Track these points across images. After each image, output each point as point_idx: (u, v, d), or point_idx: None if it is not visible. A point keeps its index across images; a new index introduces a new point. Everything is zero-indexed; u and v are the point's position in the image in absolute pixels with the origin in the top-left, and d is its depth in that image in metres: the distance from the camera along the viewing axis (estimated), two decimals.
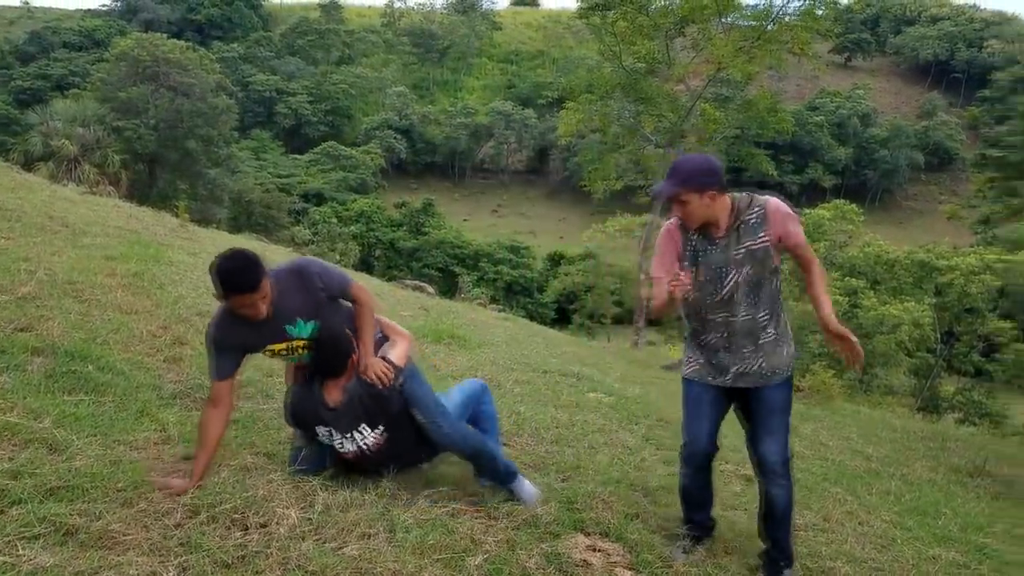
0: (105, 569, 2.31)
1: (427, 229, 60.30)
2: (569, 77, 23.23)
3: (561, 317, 46.34)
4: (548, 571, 2.88)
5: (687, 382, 3.40)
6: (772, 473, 3.25)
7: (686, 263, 3.18)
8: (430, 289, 16.72)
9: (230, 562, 2.47)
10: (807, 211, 32.19)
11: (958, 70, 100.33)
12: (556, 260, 57.61)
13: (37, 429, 3.14)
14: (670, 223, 3.29)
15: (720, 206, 3.14)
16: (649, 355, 14.03)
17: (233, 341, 3.14)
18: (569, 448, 4.41)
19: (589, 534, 3.29)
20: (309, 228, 50.06)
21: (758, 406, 3.30)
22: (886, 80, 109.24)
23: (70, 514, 2.58)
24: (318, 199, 67.13)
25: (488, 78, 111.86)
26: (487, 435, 3.68)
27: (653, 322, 29.05)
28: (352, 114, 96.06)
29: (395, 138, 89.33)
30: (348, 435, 3.25)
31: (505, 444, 4.29)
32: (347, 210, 59.86)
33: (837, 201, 33.28)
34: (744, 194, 3.23)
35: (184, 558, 2.47)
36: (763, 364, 3.22)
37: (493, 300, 33.36)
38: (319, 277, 3.20)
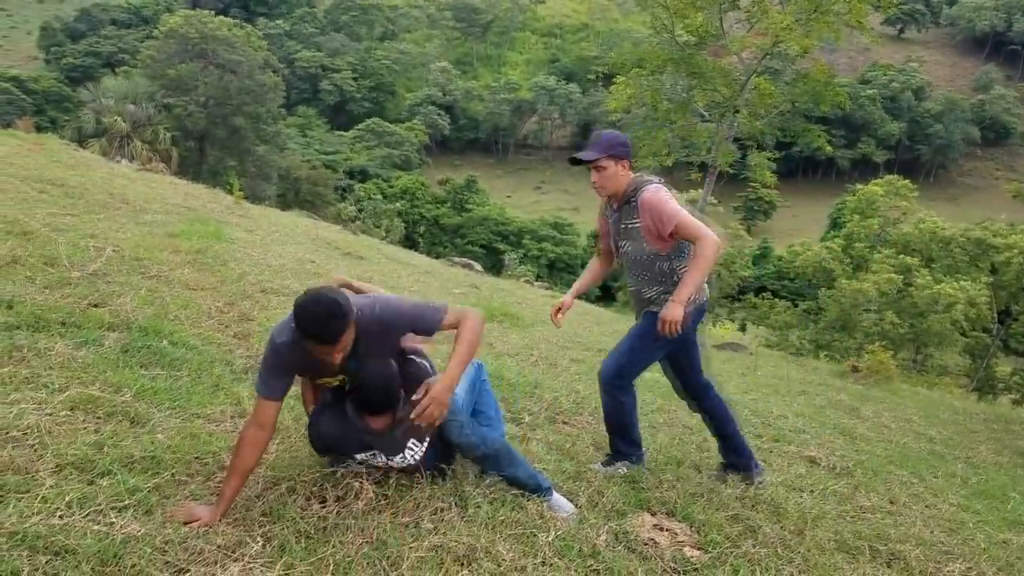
0: (192, 538, 2.38)
1: (470, 206, 60.47)
2: (617, 51, 22.89)
3: (605, 295, 46.19)
4: (617, 549, 2.90)
5: None
6: (600, 380, 3.70)
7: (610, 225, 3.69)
8: (478, 267, 16.79)
9: (312, 533, 2.53)
10: (859, 186, 31.44)
11: (1015, 42, 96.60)
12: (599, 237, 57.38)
13: (118, 402, 3.25)
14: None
15: (625, 179, 3.53)
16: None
17: (298, 367, 2.86)
18: None
19: (655, 513, 3.31)
20: (354, 204, 50.53)
21: None
22: (940, 52, 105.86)
23: (156, 485, 2.67)
24: (363, 175, 67.66)
25: (531, 52, 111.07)
26: (491, 423, 3.40)
27: None
28: (395, 90, 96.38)
29: (438, 114, 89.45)
30: (399, 455, 2.98)
31: (565, 423, 4.31)
32: (391, 187, 60.31)
33: (890, 177, 32.41)
34: (638, 176, 3.57)
35: (267, 528, 2.54)
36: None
37: (537, 277, 33.39)
38: (406, 328, 2.93)
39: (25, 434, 2.75)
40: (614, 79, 18.70)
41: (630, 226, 3.54)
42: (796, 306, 27.54)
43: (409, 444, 2.96)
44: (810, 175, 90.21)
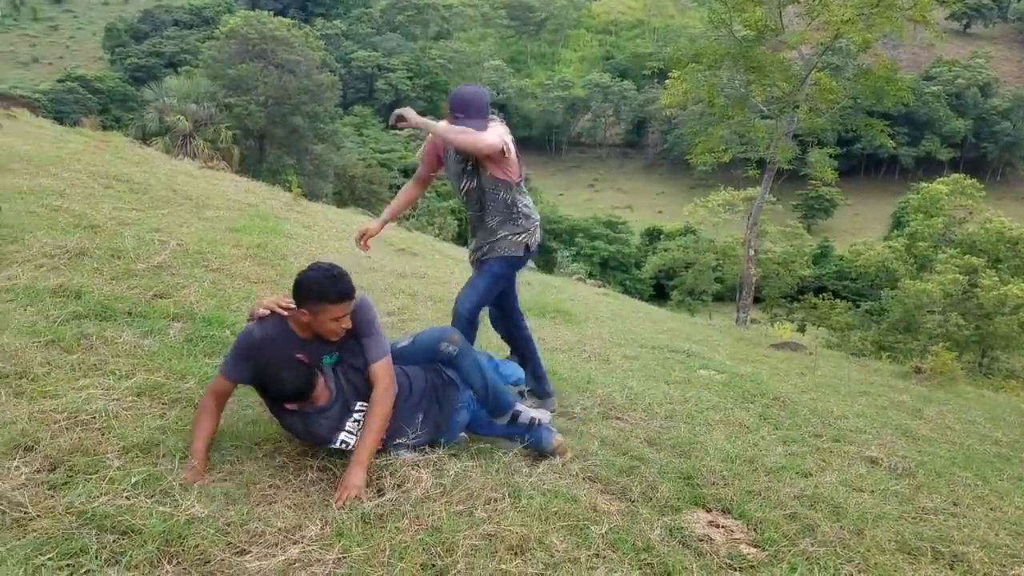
0: (253, 520, 2.45)
1: None
2: (673, 47, 22.64)
3: (659, 293, 45.78)
4: (671, 544, 2.88)
5: None
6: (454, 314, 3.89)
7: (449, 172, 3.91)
8: (530, 263, 16.77)
9: (369, 519, 2.57)
10: (923, 184, 30.55)
11: None
12: (654, 235, 56.81)
13: (183, 389, 3.35)
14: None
15: None
16: (756, 333, 13.68)
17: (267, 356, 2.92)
18: (684, 424, 4.36)
19: (710, 510, 3.27)
20: None
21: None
22: (1007, 48, 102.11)
23: (218, 468, 2.75)
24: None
25: (585, 50, 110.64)
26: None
27: (758, 299, 28.31)
28: (449, 89, 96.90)
29: (492, 112, 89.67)
30: (353, 419, 3.01)
31: (618, 419, 4.29)
32: (444, 185, 60.60)
33: (956, 175, 31.44)
34: (495, 114, 3.82)
35: (325, 512, 2.59)
36: (489, 248, 3.93)
37: (589, 275, 33.23)
38: (364, 332, 3.08)
39: (93, 418, 2.85)
40: (669, 75, 18.50)
41: (469, 162, 3.81)
42: (857, 307, 26.89)
43: (356, 407, 3.03)
44: (872, 173, 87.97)
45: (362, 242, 4.02)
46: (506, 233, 3.91)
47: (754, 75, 17.15)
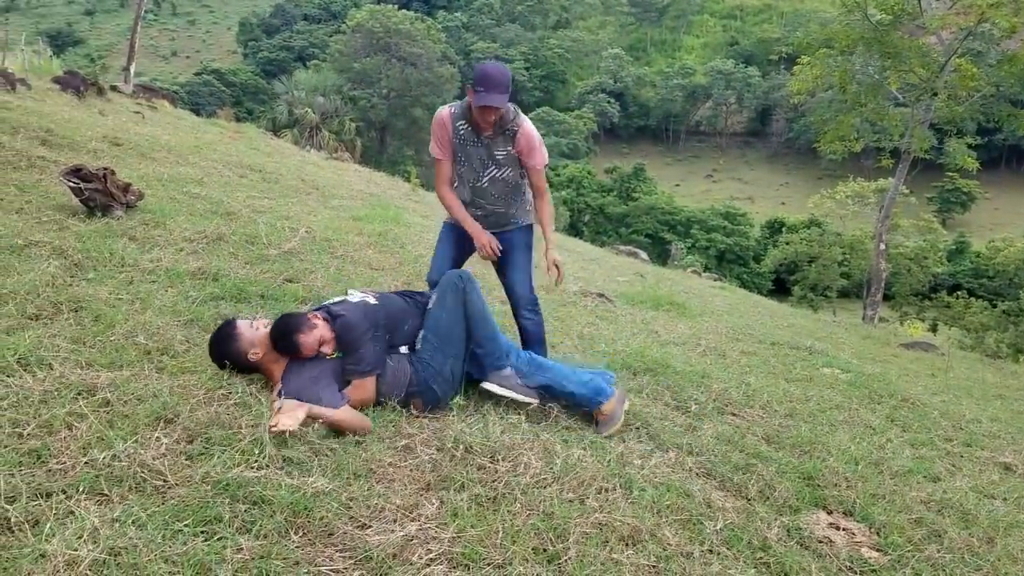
0: (374, 497, 2.54)
1: (637, 195, 59.65)
2: (803, 31, 21.70)
3: (779, 288, 44.18)
4: (789, 544, 2.80)
5: (444, 223, 4.09)
6: (520, 304, 3.97)
7: (458, 153, 3.82)
8: (643, 255, 16.52)
9: (482, 502, 2.63)
10: None
11: None
12: (775, 227, 54.80)
13: None
14: (443, 112, 3.82)
15: None
16: (884, 332, 13.00)
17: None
18: (804, 423, 4.21)
19: (831, 511, 3.16)
20: None
21: (506, 247, 3.93)
22: None
23: (342, 443, 2.87)
24: None
25: (708, 36, 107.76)
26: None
27: (888, 297, 26.85)
28: (566, 79, 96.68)
29: (608, 102, 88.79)
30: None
31: (735, 415, 4.19)
32: (557, 175, 60.63)
33: None
34: (512, 106, 3.73)
35: (441, 492, 2.67)
36: (501, 219, 3.95)
37: (706, 268, 32.47)
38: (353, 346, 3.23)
39: (229, 394, 3.02)
40: (798, 60, 17.76)
41: (511, 153, 3.78)
42: (994, 307, 25.05)
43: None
44: (1015, 165, 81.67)
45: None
46: (515, 210, 3.98)
47: (890, 61, 16.19)
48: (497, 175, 3.82)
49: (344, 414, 2.98)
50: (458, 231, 3.95)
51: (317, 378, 3.10)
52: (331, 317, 3.24)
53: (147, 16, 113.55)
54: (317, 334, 3.15)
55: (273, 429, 2.70)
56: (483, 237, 3.84)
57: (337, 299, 3.49)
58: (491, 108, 3.56)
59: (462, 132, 3.75)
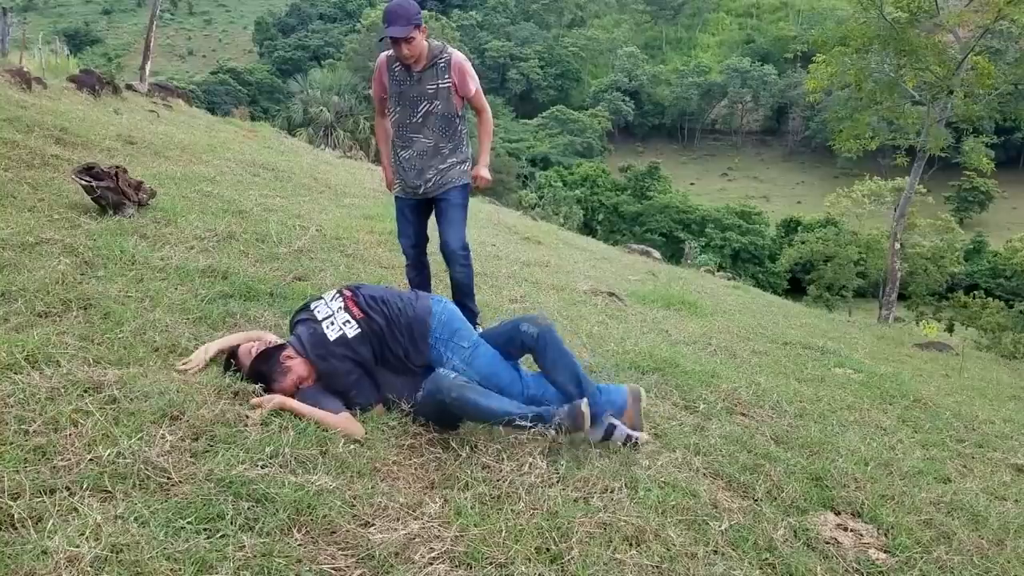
0: (378, 495, 2.54)
1: (651, 193, 59.41)
2: (818, 29, 21.54)
3: (794, 287, 43.92)
4: (795, 545, 2.77)
5: (396, 199, 4.38)
6: (452, 257, 4.19)
7: (392, 94, 4.07)
8: (656, 254, 16.45)
9: (486, 501, 2.63)
10: None
11: None
12: (791, 226, 54.47)
13: None
14: (381, 57, 4.08)
15: (425, 45, 3.92)
16: (899, 332, 12.89)
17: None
18: (814, 424, 4.18)
19: (839, 512, 3.13)
20: (535, 191, 51.27)
21: (443, 206, 4.23)
22: None
23: (351, 443, 2.87)
24: (544, 163, 68.46)
25: (724, 34, 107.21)
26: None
27: (904, 296, 26.62)
28: (581, 77, 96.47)
29: (623, 100, 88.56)
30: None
31: (743, 415, 4.16)
32: (572, 174, 60.54)
33: None
34: (436, 41, 4.00)
35: (445, 491, 2.66)
36: (441, 178, 4.17)
37: (720, 267, 32.32)
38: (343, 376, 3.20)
39: (236, 392, 3.03)
40: (814, 58, 17.65)
41: (440, 86, 3.99)
42: (1011, 307, 24.77)
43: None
44: None
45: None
46: (455, 160, 4.19)
47: (906, 59, 16.07)
48: (430, 108, 4.04)
49: (335, 419, 2.95)
50: (409, 203, 4.31)
51: (323, 388, 3.13)
52: (303, 348, 3.16)
53: (164, 16, 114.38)
54: (294, 376, 3.09)
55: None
56: (388, 175, 4.39)
57: (306, 312, 3.38)
58: (398, 40, 3.77)
59: (397, 72, 4.02)
